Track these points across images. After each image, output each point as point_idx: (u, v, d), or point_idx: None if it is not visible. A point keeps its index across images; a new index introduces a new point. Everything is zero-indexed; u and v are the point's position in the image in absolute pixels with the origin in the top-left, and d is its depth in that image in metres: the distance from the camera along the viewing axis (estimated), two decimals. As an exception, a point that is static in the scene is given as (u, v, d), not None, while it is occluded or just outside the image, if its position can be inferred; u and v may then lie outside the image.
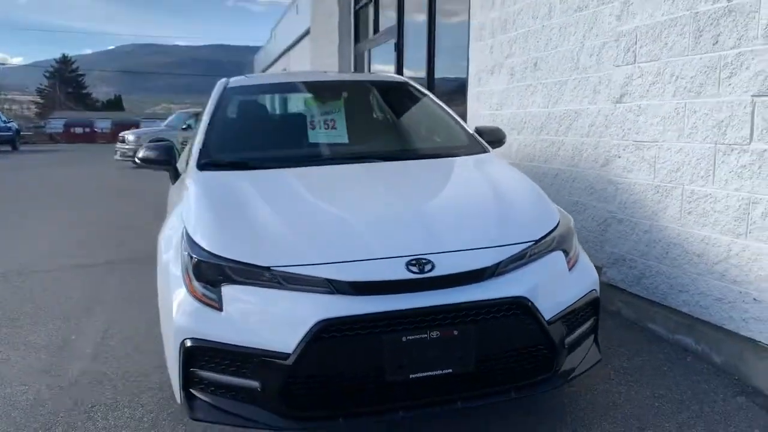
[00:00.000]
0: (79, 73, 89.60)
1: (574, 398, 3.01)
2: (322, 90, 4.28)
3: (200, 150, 3.43)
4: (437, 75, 8.13)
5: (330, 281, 2.34)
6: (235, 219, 2.71)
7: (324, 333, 2.26)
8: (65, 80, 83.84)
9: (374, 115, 4.29)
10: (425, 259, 2.42)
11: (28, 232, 8.01)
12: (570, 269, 2.72)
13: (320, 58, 14.22)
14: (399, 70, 9.49)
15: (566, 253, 2.74)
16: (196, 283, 2.48)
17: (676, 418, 2.83)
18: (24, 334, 4.13)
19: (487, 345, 2.41)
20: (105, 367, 3.55)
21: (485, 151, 3.67)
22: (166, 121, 20.71)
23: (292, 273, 2.37)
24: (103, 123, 46.50)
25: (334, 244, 2.49)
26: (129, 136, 18.88)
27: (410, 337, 2.32)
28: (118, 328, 4.19)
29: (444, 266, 2.41)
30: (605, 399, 3.02)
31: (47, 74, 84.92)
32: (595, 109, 4.55)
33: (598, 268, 3.35)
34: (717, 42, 3.24)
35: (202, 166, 3.32)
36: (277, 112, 4.43)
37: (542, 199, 3.00)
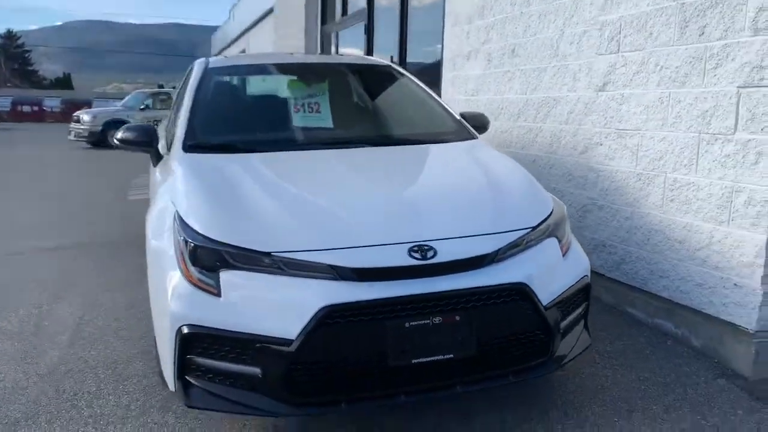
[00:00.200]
0: (25, 49, 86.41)
1: (563, 382, 3.06)
2: (305, 72, 4.22)
3: (185, 132, 3.34)
4: (409, 59, 8.11)
5: (333, 267, 2.32)
6: (230, 203, 2.66)
7: (328, 319, 2.25)
8: (10, 56, 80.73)
9: (359, 99, 4.25)
10: (427, 245, 2.42)
11: (-16, 214, 7.72)
12: (563, 256, 2.76)
13: (284, 40, 14.00)
14: (368, 54, 9.42)
15: (559, 240, 2.78)
16: (192, 268, 2.42)
17: (663, 400, 2.91)
18: (-7, 320, 3.99)
19: (487, 330, 2.43)
20: (84, 354, 3.46)
21: (473, 137, 3.68)
22: (123, 101, 20.19)
23: (294, 259, 2.34)
24: (52, 102, 44.84)
25: (336, 230, 2.47)
26: (84, 116, 18.34)
27: (413, 323, 2.33)
28: (94, 313, 4.08)
29: (445, 253, 2.41)
30: (593, 382, 3.08)
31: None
32: (574, 97, 4.59)
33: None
34: (703, 33, 3.30)
35: (188, 148, 3.24)
36: (260, 94, 4.34)
37: (536, 187, 3.03)
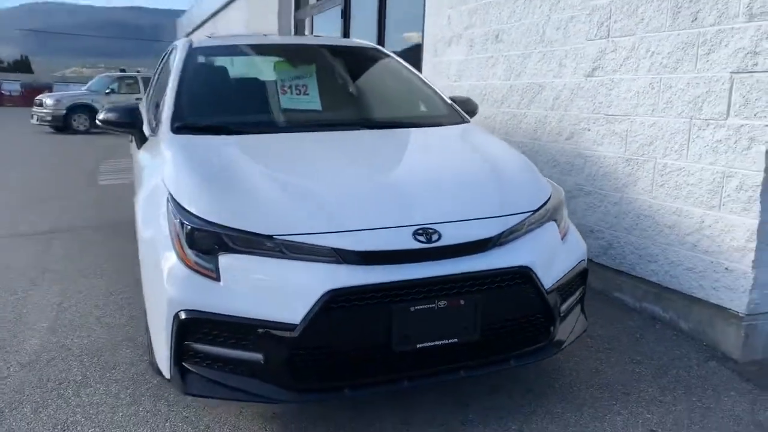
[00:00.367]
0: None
1: (558, 366, 3.07)
2: (291, 53, 4.13)
3: (173, 113, 3.23)
4: (388, 45, 8.02)
5: (337, 250, 2.27)
6: (227, 185, 2.58)
7: (333, 303, 2.20)
8: (-35, 38, 78.00)
9: (348, 82, 4.18)
10: (432, 228, 2.38)
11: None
12: (562, 240, 2.75)
13: (256, 25, 13.77)
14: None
15: (557, 224, 2.77)
16: (188, 251, 2.35)
17: (657, 383, 2.93)
18: (-33, 307, 3.83)
19: (490, 314, 2.41)
20: (66, 342, 3.34)
21: (465, 120, 3.65)
22: (87, 85, 19.62)
23: (297, 242, 2.28)
24: (11, 85, 43.59)
25: (339, 213, 2.41)
26: (47, 99, 17.82)
27: (418, 307, 2.30)
28: (73, 300, 3.95)
29: (450, 236, 2.38)
30: (587, 366, 3.09)
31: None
32: (560, 83, 4.59)
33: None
34: (696, 19, 3.32)
35: (176, 129, 3.14)
36: (246, 75, 4.23)
37: (534, 170, 3.01)
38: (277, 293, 2.24)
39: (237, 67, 4.21)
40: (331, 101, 3.78)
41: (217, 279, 2.28)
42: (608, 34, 3.93)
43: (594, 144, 4.09)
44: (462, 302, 2.35)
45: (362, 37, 8.84)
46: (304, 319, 2.18)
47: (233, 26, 17.65)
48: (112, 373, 3.01)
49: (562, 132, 4.61)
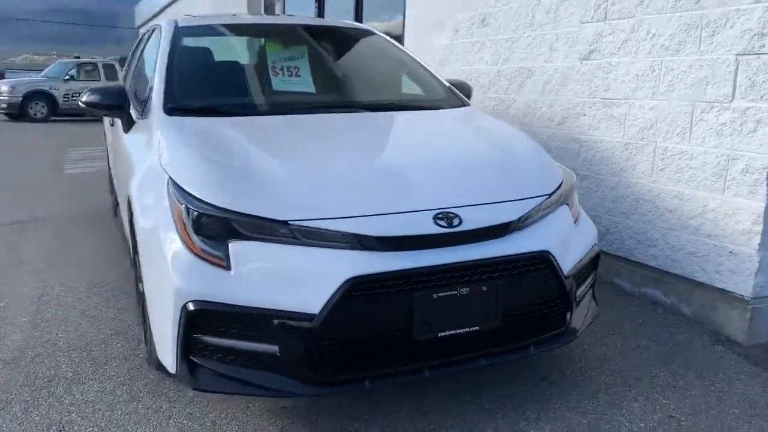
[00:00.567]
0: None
1: (567, 352, 3.02)
2: (282, 34, 3.97)
3: (164, 94, 3.06)
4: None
5: (356, 236, 2.16)
6: (233, 168, 2.45)
7: (353, 291, 2.10)
8: None
9: (342, 63, 4.04)
10: (452, 213, 2.30)
11: None
12: (575, 224, 2.69)
13: (225, 8, 13.43)
14: (319, 24, 9.11)
15: (569, 208, 2.71)
16: (195, 239, 2.21)
17: (668, 367, 2.91)
18: (-61, 302, 3.61)
19: (511, 301, 2.35)
20: (51, 337, 3.16)
21: (465, 104, 3.56)
22: (44, 72, 18.95)
23: (314, 227, 2.17)
24: (-42, 72, 41.95)
25: (356, 197, 2.30)
26: (2, 86, 17.15)
27: (440, 294, 2.21)
28: (54, 293, 3.75)
29: (471, 221, 2.30)
30: (596, 352, 3.05)
31: None
32: (551, 67, 4.54)
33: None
34: (699, 1, 3.28)
35: (170, 111, 2.97)
36: (236, 56, 4.06)
37: (545, 154, 2.95)
38: (294, 282, 2.13)
39: (225, 47, 4.04)
40: (326, 83, 3.66)
41: (228, 267, 2.15)
42: (605, 17, 3.88)
43: (590, 129, 4.05)
44: (484, 289, 2.27)
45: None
46: (323, 309, 2.07)
47: (199, 10, 17.20)
48: (105, 368, 2.85)
49: (553, 117, 4.56)
